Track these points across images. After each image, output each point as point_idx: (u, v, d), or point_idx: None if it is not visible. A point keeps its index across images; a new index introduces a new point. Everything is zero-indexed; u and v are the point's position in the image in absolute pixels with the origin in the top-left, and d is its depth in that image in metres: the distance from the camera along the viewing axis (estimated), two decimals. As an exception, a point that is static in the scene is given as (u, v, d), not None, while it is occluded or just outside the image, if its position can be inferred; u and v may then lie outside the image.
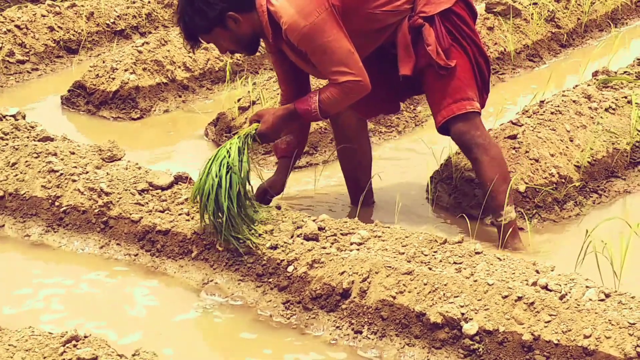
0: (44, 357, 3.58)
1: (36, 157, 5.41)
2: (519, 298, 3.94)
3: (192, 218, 4.89)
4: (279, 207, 4.87)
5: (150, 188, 5.14)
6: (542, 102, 6.02)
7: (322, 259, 4.44)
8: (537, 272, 4.15)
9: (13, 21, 8.18)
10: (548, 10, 8.49)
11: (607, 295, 3.91)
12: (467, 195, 5.41)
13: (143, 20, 8.97)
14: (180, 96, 7.43)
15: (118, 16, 8.82)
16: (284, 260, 4.53)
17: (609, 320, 3.76)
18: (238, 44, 4.85)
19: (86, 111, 7.19)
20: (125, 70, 7.19)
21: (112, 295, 4.69)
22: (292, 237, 4.62)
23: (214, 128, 6.62)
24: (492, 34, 8.02)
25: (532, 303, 3.91)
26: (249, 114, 6.20)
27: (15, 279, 4.83)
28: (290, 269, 4.48)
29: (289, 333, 4.33)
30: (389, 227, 4.63)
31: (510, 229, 4.94)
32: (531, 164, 5.40)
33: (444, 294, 4.08)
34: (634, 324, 3.72)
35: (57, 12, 8.50)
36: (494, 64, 7.85)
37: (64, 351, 3.59)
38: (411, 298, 4.14)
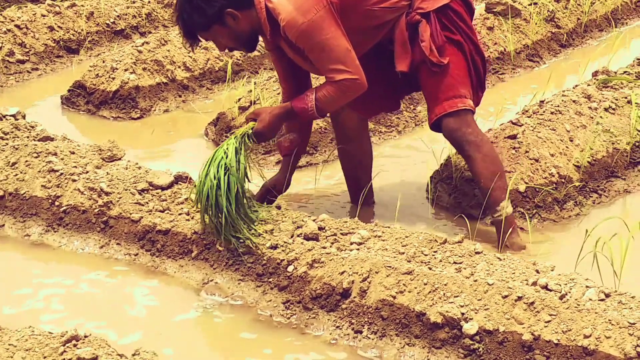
0: (44, 357, 3.59)
1: (36, 157, 5.42)
2: (519, 298, 3.94)
3: (192, 218, 4.89)
4: (279, 207, 4.88)
5: (150, 188, 5.14)
6: (542, 102, 6.02)
7: (322, 258, 4.44)
8: (537, 272, 4.15)
9: (13, 21, 8.19)
10: (548, 10, 8.49)
11: (607, 295, 3.92)
12: (467, 195, 5.41)
13: (143, 20, 8.98)
14: (180, 96, 7.43)
15: (118, 16, 8.83)
16: (284, 260, 4.53)
17: (609, 320, 3.76)
18: (237, 41, 4.85)
19: (86, 111, 7.19)
20: (125, 70, 7.19)
21: (112, 295, 4.70)
22: (292, 236, 4.62)
23: (214, 128, 6.62)
24: (492, 33, 8.02)
25: (532, 303, 3.91)
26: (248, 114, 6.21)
27: (15, 278, 4.83)
28: (290, 268, 4.49)
29: (289, 333, 4.33)
30: (389, 227, 4.63)
31: (509, 225, 4.94)
32: (531, 164, 5.40)
33: (444, 294, 4.09)
34: (634, 323, 3.72)
35: (57, 12, 8.51)
36: (494, 63, 7.87)
37: (64, 351, 3.59)
38: (411, 298, 4.14)
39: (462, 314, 4.00)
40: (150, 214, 5.00)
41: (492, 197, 4.92)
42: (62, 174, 5.29)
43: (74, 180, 5.25)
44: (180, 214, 4.95)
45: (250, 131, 4.88)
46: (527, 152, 5.44)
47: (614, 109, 6.02)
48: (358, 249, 4.46)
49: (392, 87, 5.21)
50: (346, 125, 5.37)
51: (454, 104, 4.91)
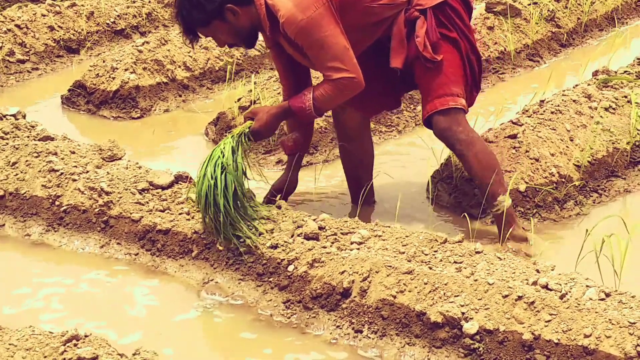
0: (45, 357, 3.59)
1: (36, 157, 5.43)
2: (519, 297, 3.95)
3: (193, 217, 4.90)
4: (279, 207, 4.88)
5: (151, 187, 5.15)
6: (542, 101, 6.03)
7: (323, 258, 4.44)
8: (538, 271, 4.15)
9: (13, 21, 8.20)
10: (548, 10, 8.50)
11: (608, 295, 3.92)
12: (467, 195, 5.41)
13: (143, 19, 8.99)
14: (180, 95, 7.44)
15: (118, 16, 8.84)
16: (284, 259, 4.53)
17: (609, 319, 3.76)
18: (237, 36, 4.86)
19: (86, 111, 7.20)
20: (126, 69, 7.21)
21: (112, 294, 4.70)
22: (292, 236, 4.62)
23: (214, 127, 6.63)
24: (492, 33, 8.04)
25: (533, 302, 3.91)
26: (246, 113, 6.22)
27: (15, 278, 4.84)
28: (290, 268, 4.49)
29: (290, 332, 4.34)
30: (389, 227, 4.64)
31: (509, 218, 4.93)
32: (531, 164, 5.41)
33: (444, 294, 4.09)
34: (634, 323, 3.72)
35: (58, 12, 8.52)
36: (494, 63, 7.88)
37: (65, 350, 3.60)
38: (411, 297, 4.14)
39: (463, 313, 4.00)
40: (150, 214, 5.01)
41: (489, 192, 4.92)
42: (62, 173, 5.30)
43: (74, 180, 5.26)
44: (180, 214, 4.96)
45: (248, 130, 4.89)
46: (527, 151, 5.45)
47: (614, 109, 6.02)
48: (358, 249, 4.46)
49: (390, 85, 5.21)
50: (348, 124, 5.38)
51: (445, 102, 4.91)
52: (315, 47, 4.73)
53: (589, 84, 6.36)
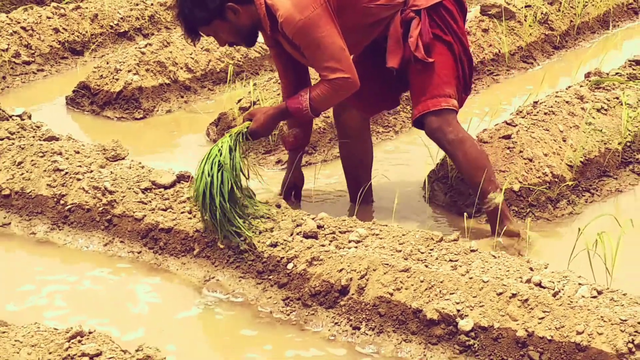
0: (50, 353, 3.61)
1: (42, 157, 5.44)
2: (514, 295, 3.97)
3: (194, 216, 4.91)
4: (278, 206, 4.89)
5: (153, 187, 5.15)
6: (535, 102, 6.02)
7: (321, 256, 4.47)
8: (531, 269, 4.17)
9: (19, 23, 8.15)
10: (541, 13, 8.48)
11: (600, 292, 3.94)
12: (463, 194, 5.43)
13: (146, 22, 8.92)
14: (182, 97, 7.43)
15: (121, 18, 8.79)
16: (283, 257, 4.56)
17: (601, 316, 3.79)
18: (237, 35, 4.87)
19: (90, 111, 7.19)
20: (129, 71, 7.19)
21: (115, 292, 4.72)
22: (291, 235, 4.64)
23: (215, 128, 6.63)
24: (487, 35, 8.01)
25: (526, 300, 3.94)
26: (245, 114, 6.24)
27: (21, 276, 4.86)
28: (290, 266, 4.52)
29: (289, 329, 4.35)
30: (386, 225, 4.65)
31: (501, 215, 4.97)
32: (525, 164, 5.42)
33: (440, 291, 4.12)
34: (625, 320, 3.75)
35: (62, 14, 8.47)
36: (488, 65, 7.87)
37: (69, 347, 3.62)
38: (408, 295, 4.17)
39: (458, 310, 4.03)
40: (153, 213, 5.02)
41: (480, 190, 4.95)
42: (67, 173, 5.31)
43: (79, 180, 5.27)
44: (182, 213, 4.97)
45: (246, 130, 4.92)
46: (521, 152, 5.46)
47: (606, 110, 6.03)
48: (356, 247, 4.48)
49: (387, 84, 5.23)
50: (348, 124, 5.39)
51: (438, 102, 4.93)
52: (312, 46, 4.77)
53: (581, 86, 6.36)
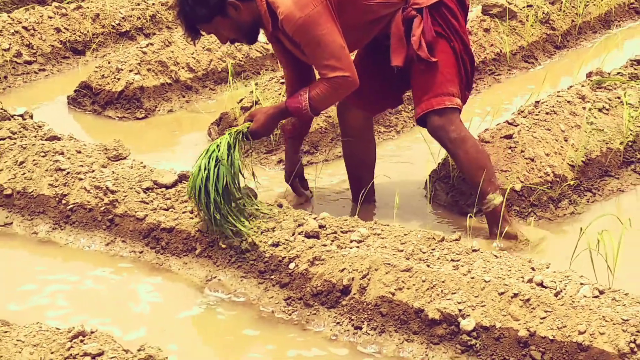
0: (52, 352, 3.61)
1: (43, 156, 5.44)
2: (515, 295, 3.97)
3: (196, 216, 4.91)
4: (280, 205, 4.90)
5: (155, 186, 5.16)
6: (537, 102, 6.03)
7: (323, 256, 4.47)
8: (533, 269, 4.18)
9: (20, 22, 8.16)
10: (543, 13, 8.49)
11: (601, 292, 3.95)
12: (464, 194, 5.43)
13: (147, 21, 8.94)
14: (183, 96, 7.44)
15: (123, 18, 8.81)
16: (285, 257, 4.56)
17: (603, 316, 3.80)
18: (238, 32, 4.86)
19: (92, 111, 7.20)
20: (130, 70, 7.20)
21: (117, 291, 4.72)
22: (293, 234, 4.65)
23: (216, 127, 6.63)
24: (489, 35, 8.01)
25: (528, 300, 3.94)
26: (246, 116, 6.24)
27: (23, 275, 4.86)
28: (291, 266, 4.52)
29: (291, 329, 4.36)
30: (388, 225, 4.66)
31: (499, 216, 4.97)
32: (527, 163, 5.42)
33: (441, 291, 4.12)
34: (627, 320, 3.75)
35: (64, 14, 8.48)
36: (490, 65, 7.88)
37: (71, 346, 3.62)
38: (410, 295, 4.17)
39: (460, 310, 4.03)
40: (154, 212, 5.03)
41: (480, 191, 4.95)
42: (68, 172, 5.31)
43: (81, 179, 5.27)
44: (184, 212, 4.98)
45: (246, 129, 4.92)
46: (522, 151, 5.46)
47: (607, 109, 6.03)
48: (358, 247, 4.48)
49: (388, 83, 5.23)
50: (351, 124, 5.40)
51: (442, 101, 4.93)
52: (312, 44, 4.77)
53: (582, 85, 6.36)
